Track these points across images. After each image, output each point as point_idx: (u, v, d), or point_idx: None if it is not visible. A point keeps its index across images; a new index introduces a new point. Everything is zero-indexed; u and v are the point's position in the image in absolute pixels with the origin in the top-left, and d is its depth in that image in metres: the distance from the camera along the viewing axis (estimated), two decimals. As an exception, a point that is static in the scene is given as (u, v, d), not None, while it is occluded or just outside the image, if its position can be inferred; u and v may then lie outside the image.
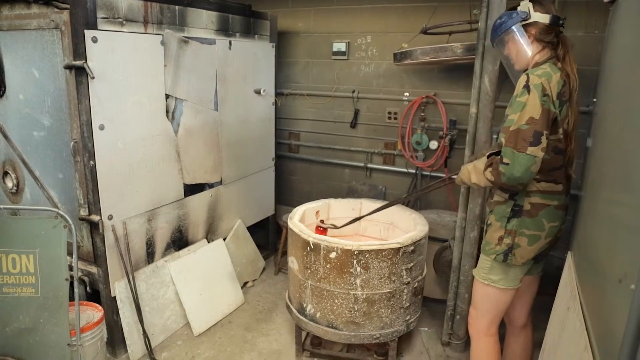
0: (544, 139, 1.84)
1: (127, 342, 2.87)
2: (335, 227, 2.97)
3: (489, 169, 2.01)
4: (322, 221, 3.05)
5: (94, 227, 2.68)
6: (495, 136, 2.71)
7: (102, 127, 2.55)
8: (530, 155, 1.84)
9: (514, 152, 1.85)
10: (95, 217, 2.63)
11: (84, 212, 2.65)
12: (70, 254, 2.49)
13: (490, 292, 2.18)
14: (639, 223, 1.05)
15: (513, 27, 2.00)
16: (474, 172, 2.11)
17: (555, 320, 1.93)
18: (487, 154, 2.11)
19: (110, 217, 2.69)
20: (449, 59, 3.24)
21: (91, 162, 2.56)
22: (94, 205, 2.63)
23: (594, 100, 2.13)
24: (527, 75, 1.90)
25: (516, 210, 2.05)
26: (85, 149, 2.54)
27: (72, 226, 2.44)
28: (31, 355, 2.45)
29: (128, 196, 2.80)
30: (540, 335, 2.13)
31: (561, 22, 1.98)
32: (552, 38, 1.99)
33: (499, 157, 1.95)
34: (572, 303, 1.60)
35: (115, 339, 2.89)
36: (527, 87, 1.87)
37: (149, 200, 2.96)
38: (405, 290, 2.67)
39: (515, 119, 1.87)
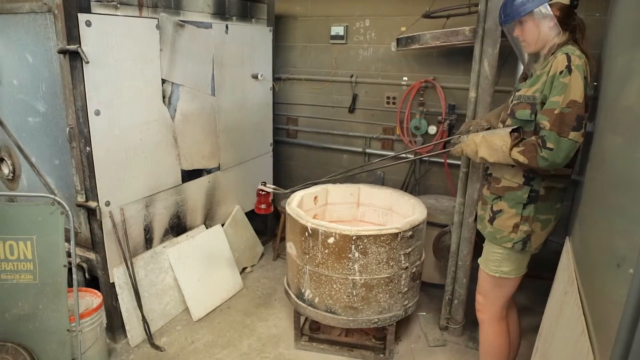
0: (584, 124, 1.81)
1: (127, 327, 2.89)
2: (277, 190, 3.00)
3: (518, 149, 1.91)
4: (263, 183, 3.00)
5: (92, 214, 2.67)
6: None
7: (97, 113, 2.53)
8: (572, 140, 1.80)
9: (558, 138, 1.80)
10: (92, 204, 2.62)
11: (81, 199, 2.64)
12: (68, 240, 2.49)
13: (501, 283, 2.17)
14: (638, 208, 1.05)
15: (540, 8, 1.90)
16: (484, 146, 2.01)
17: (552, 304, 1.94)
18: (509, 130, 1.98)
19: (107, 204, 2.68)
20: (460, 43, 3.18)
21: (87, 148, 2.53)
22: (91, 191, 2.62)
23: (595, 84, 2.11)
24: (568, 55, 1.82)
25: (532, 196, 2.01)
26: (81, 135, 2.52)
27: (69, 212, 2.43)
28: (31, 341, 2.46)
29: (125, 182, 2.79)
30: (537, 320, 2.14)
31: (576, 2, 1.94)
32: (572, 20, 1.94)
33: (533, 138, 1.89)
34: (570, 288, 1.60)
35: (114, 325, 2.90)
36: (569, 68, 1.80)
37: (147, 186, 2.94)
38: (404, 275, 2.67)
39: (560, 101, 1.81)
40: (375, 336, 2.94)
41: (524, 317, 3.23)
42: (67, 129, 2.52)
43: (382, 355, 2.85)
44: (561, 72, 1.82)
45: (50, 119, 2.64)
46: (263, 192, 2.97)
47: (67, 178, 2.70)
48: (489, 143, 2.01)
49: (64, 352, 2.48)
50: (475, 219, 2.42)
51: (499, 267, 2.12)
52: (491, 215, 2.13)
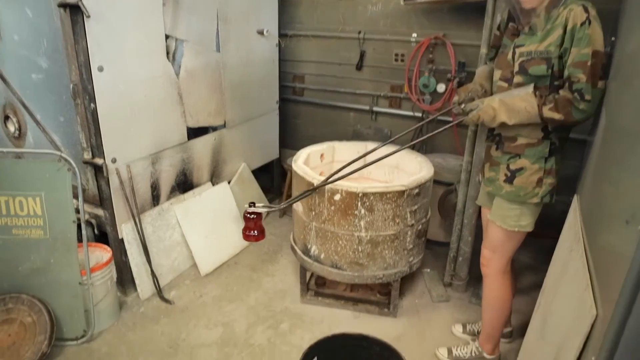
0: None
1: (137, 281, 2.95)
2: (270, 207, 2.45)
3: (548, 107, 1.88)
4: (252, 204, 2.34)
5: (98, 171, 2.68)
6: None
7: (101, 69, 2.49)
8: (600, 89, 1.82)
9: (592, 89, 1.81)
10: (99, 161, 2.63)
11: (87, 156, 2.64)
12: (76, 197, 2.52)
13: (516, 236, 2.18)
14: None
15: None
16: (503, 110, 1.95)
17: (557, 261, 1.95)
18: (530, 90, 1.94)
19: (114, 161, 2.68)
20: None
21: (92, 105, 2.51)
22: (97, 148, 2.62)
23: (612, 39, 2.04)
24: (584, 6, 1.80)
25: (552, 149, 2.02)
26: (85, 92, 2.49)
27: (76, 169, 2.45)
28: (45, 293, 2.53)
29: (131, 139, 2.78)
30: (540, 278, 2.16)
31: None
32: None
33: (562, 93, 1.86)
34: (576, 245, 1.61)
35: (124, 279, 2.97)
36: (588, 19, 1.78)
37: (152, 143, 2.94)
38: (409, 233, 2.69)
39: (589, 52, 1.79)
40: (380, 291, 3.00)
41: (528, 275, 3.28)
42: (71, 85, 2.49)
43: (386, 310, 2.91)
44: (582, 24, 1.79)
45: (54, 76, 2.60)
46: (252, 216, 2.33)
47: (72, 135, 2.69)
48: (508, 106, 1.96)
49: (77, 304, 2.55)
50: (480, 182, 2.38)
51: (517, 222, 2.12)
52: (509, 175, 2.10)
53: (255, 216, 2.32)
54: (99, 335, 2.69)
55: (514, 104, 1.94)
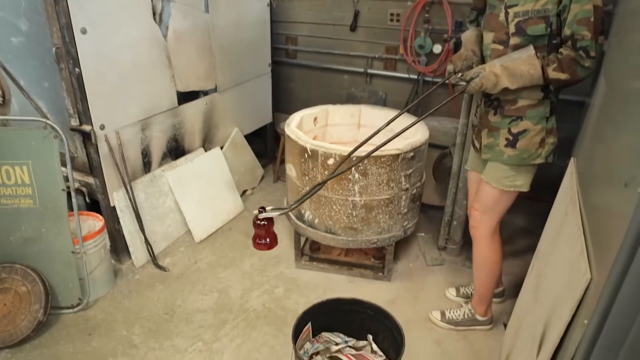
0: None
1: (130, 249, 2.94)
2: (281, 210, 2.12)
3: (553, 67, 1.82)
4: (261, 210, 2.07)
5: (87, 138, 2.62)
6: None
7: (84, 31, 2.39)
8: (600, 45, 1.78)
9: (595, 44, 1.76)
10: (86, 127, 2.56)
11: (74, 123, 2.58)
12: (65, 164, 2.47)
13: (510, 196, 2.16)
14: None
15: None
16: (505, 75, 1.88)
17: (552, 224, 1.94)
18: (532, 52, 1.87)
19: (102, 127, 2.62)
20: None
21: (76, 70, 2.43)
22: (84, 114, 2.55)
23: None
24: None
25: (552, 108, 2.00)
26: (68, 55, 2.40)
27: (63, 136, 2.39)
28: (37, 263, 2.52)
29: (119, 105, 2.71)
30: (534, 241, 2.16)
31: None
32: None
33: (564, 52, 1.81)
34: (571, 208, 1.58)
35: (118, 247, 2.96)
36: None
37: (142, 109, 2.87)
38: (404, 197, 2.67)
39: (591, 8, 1.74)
40: (374, 256, 3.00)
41: (522, 239, 3.30)
42: (53, 49, 2.40)
43: (380, 274, 2.93)
44: None
45: (35, 39, 2.50)
46: (262, 222, 2.09)
47: (58, 101, 2.61)
48: (510, 71, 1.88)
49: (71, 273, 2.55)
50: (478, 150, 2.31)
51: (513, 182, 2.10)
52: (511, 139, 2.05)
53: (266, 222, 2.08)
54: (95, 303, 2.69)
55: (517, 68, 1.87)
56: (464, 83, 1.96)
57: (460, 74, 2.05)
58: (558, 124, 2.07)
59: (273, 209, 2.07)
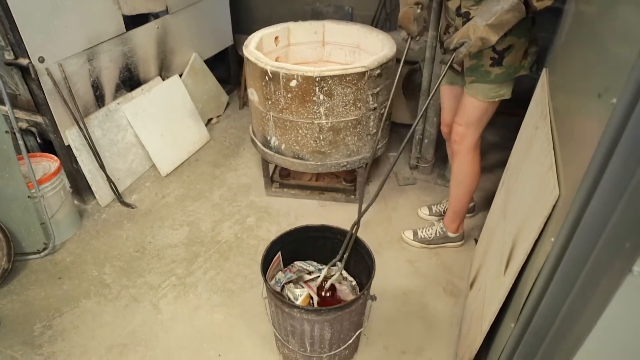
0: None
1: (93, 188, 2.82)
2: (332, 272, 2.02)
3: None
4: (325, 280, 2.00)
5: (26, 72, 2.39)
6: None
7: (1, -52, 2.10)
8: None
9: None
10: (23, 61, 2.33)
11: (9, 56, 2.34)
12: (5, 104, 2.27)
13: (494, 106, 2.09)
14: (627, 33, 0.89)
15: None
16: (493, 32, 1.68)
17: (522, 139, 1.88)
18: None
19: (41, 60, 2.39)
20: None
21: (-1, -7, 2.16)
22: (17, 46, 2.30)
23: None
24: None
25: (533, 18, 1.88)
26: (-13, -23, 2.12)
27: (-3, 72, 2.17)
28: (-6, 210, 2.39)
29: (57, 34, 2.45)
30: (505, 155, 2.12)
31: None
32: None
33: None
34: (542, 122, 1.52)
35: (80, 187, 2.83)
36: None
37: (84, 37, 2.61)
38: (372, 117, 2.57)
39: None
40: (345, 179, 2.95)
41: (493, 153, 3.27)
42: (-30, -30, 2.11)
43: (352, 196, 2.90)
44: None
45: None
46: (327, 294, 2.00)
47: (-13, 33, 2.35)
48: (496, 27, 1.67)
49: (31, 218, 2.44)
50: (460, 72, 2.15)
51: (498, 92, 2.02)
52: (496, 57, 1.92)
53: (330, 292, 1.99)
54: (62, 246, 2.62)
55: (501, 21, 1.67)
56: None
57: (442, 48, 1.87)
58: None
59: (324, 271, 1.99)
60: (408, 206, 2.87)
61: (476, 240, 2.54)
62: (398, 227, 2.69)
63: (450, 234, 2.50)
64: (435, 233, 2.53)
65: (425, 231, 2.55)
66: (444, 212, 2.72)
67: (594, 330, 0.89)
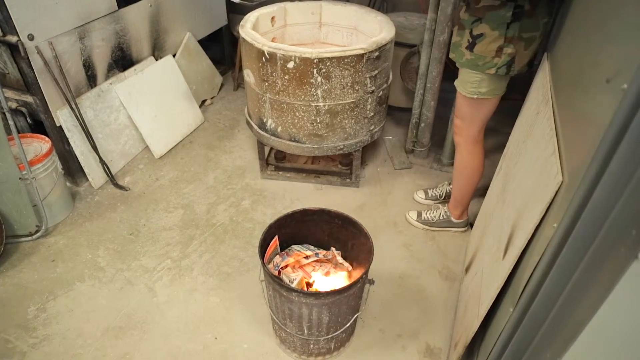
0: None
1: (86, 170, 2.78)
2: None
3: None
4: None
5: (15, 50, 2.33)
6: None
7: None
8: None
9: None
10: (12, 38, 2.26)
11: (-3, 33, 2.27)
12: (-7, 82, 2.21)
13: (479, 104, 2.06)
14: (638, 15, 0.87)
15: None
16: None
17: (522, 125, 1.87)
18: None
19: (31, 38, 2.32)
20: None
21: (-14, -33, 2.08)
22: (6, 23, 2.23)
23: None
24: None
25: (517, 13, 1.76)
26: (-25, -49, 2.05)
27: (-15, 50, 2.11)
28: (-16, 192, 2.35)
29: (47, 10, 2.39)
30: (502, 140, 2.11)
31: None
32: None
33: None
34: (544, 107, 1.50)
35: (72, 169, 2.79)
36: None
37: (75, 14, 2.55)
38: (370, 100, 2.55)
39: None
40: (341, 162, 2.94)
41: (490, 138, 3.25)
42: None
43: (348, 180, 2.89)
44: None
45: None
46: None
47: (-26, 9, 2.28)
48: None
49: (22, 200, 2.40)
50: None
51: (477, 89, 1.99)
52: (470, 40, 1.89)
53: None
54: (55, 228, 2.59)
55: None
56: None
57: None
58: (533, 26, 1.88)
59: None
60: (404, 190, 2.86)
61: (471, 225, 2.55)
62: (394, 211, 2.69)
63: (454, 219, 2.51)
64: (440, 216, 2.53)
65: (430, 213, 2.56)
66: (440, 196, 2.72)
67: (596, 316, 0.89)
